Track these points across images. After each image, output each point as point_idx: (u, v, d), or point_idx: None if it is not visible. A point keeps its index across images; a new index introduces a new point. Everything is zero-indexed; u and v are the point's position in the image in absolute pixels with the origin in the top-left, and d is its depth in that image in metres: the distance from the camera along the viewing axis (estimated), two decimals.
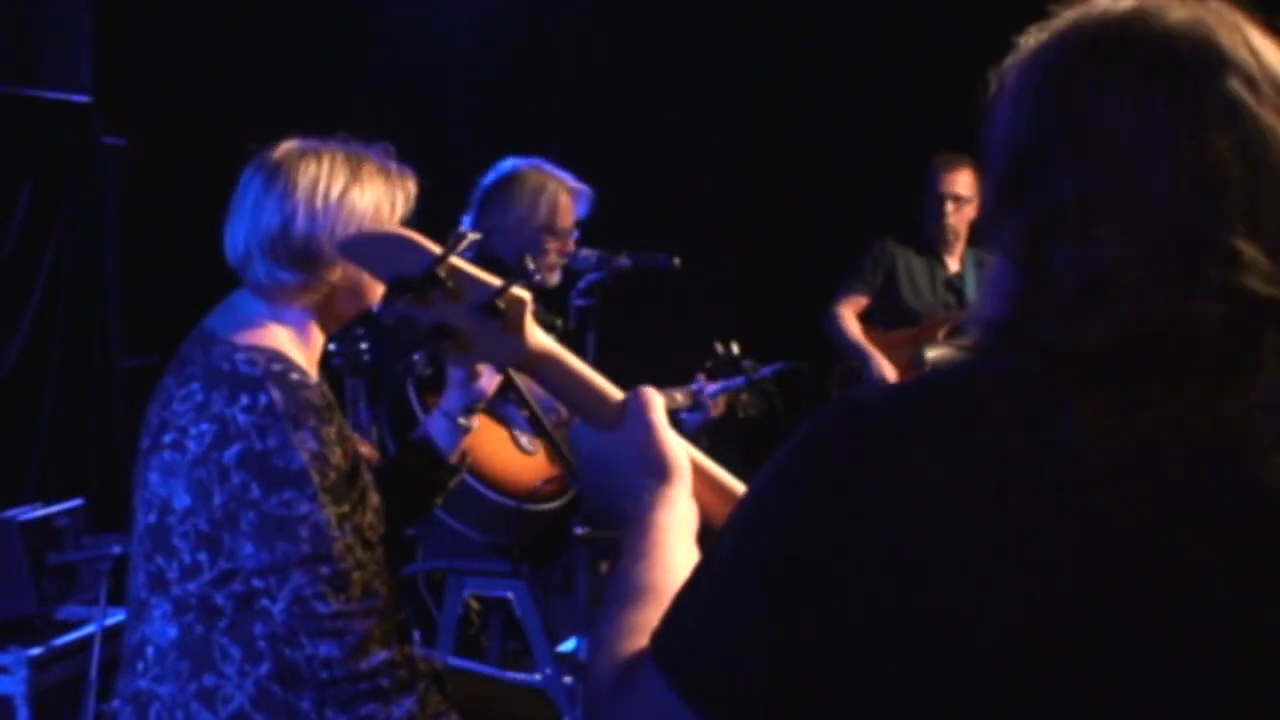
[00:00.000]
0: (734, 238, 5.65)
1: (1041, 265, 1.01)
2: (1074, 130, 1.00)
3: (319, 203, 2.01)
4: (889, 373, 4.57)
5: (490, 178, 3.66)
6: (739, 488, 1.46)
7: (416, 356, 1.49)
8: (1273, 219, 0.97)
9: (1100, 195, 0.98)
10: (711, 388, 3.73)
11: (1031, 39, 1.06)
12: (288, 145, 2.07)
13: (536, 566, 3.49)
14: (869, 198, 5.29)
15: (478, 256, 3.59)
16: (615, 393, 1.48)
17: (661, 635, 1.08)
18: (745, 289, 5.72)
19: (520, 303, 1.46)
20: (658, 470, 1.33)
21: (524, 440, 3.41)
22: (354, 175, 2.05)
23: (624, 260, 3.47)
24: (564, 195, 3.61)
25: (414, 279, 1.42)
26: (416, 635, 2.57)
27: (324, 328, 2.10)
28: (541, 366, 1.50)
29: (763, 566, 1.03)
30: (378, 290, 2.09)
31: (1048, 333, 0.99)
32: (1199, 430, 0.96)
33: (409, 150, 2.20)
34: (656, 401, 1.40)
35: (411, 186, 2.14)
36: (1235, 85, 0.98)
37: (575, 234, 3.63)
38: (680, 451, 1.37)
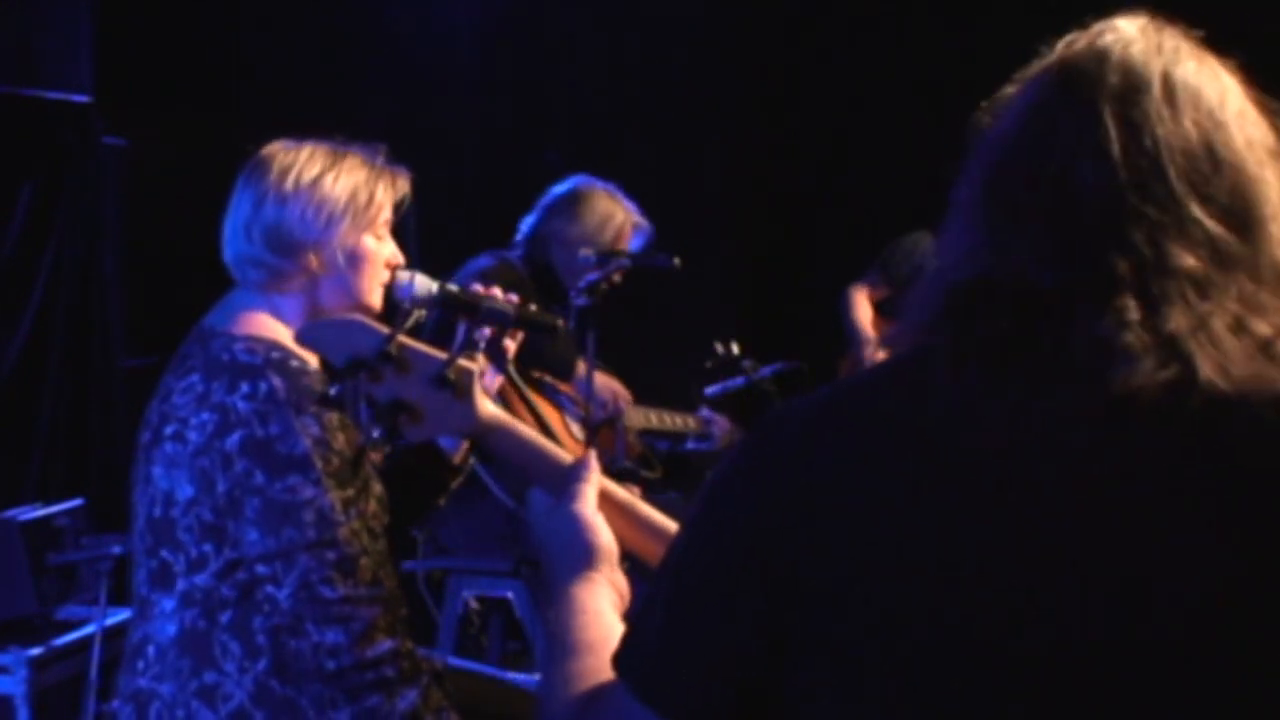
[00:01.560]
0: (734, 238, 5.64)
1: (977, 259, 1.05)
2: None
3: (289, 187, 2.06)
4: None
5: (563, 188, 3.72)
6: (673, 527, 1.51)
7: (376, 434, 1.58)
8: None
9: (1008, 191, 1.05)
10: (712, 389, 3.74)
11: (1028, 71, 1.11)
12: (273, 144, 2.13)
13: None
14: (869, 197, 5.28)
15: (526, 259, 3.62)
16: (566, 458, 1.54)
17: (624, 651, 1.10)
18: (745, 289, 5.71)
19: (468, 373, 1.54)
20: (583, 557, 1.39)
21: (574, 428, 3.44)
22: (330, 164, 2.09)
23: (624, 260, 3.47)
24: (629, 228, 3.68)
25: (368, 358, 1.52)
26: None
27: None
28: (492, 435, 1.57)
29: (719, 570, 1.04)
30: (368, 289, 2.11)
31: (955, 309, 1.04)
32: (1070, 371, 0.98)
33: (409, 150, 2.21)
34: (584, 491, 1.44)
35: (403, 183, 2.17)
36: (1154, 104, 1.02)
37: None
38: (605, 535, 1.41)
